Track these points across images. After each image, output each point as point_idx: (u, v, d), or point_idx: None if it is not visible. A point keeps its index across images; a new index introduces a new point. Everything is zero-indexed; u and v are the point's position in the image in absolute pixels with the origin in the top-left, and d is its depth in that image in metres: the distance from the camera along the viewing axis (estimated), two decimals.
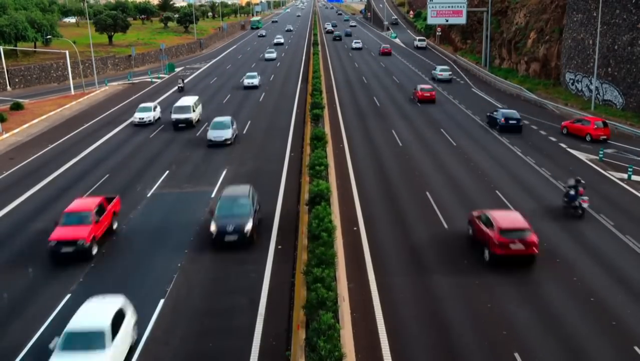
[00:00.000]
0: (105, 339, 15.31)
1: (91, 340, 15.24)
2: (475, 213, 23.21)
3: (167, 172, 32.84)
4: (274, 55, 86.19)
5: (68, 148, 39.21)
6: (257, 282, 20.15)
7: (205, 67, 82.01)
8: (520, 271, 20.74)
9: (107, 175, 32.60)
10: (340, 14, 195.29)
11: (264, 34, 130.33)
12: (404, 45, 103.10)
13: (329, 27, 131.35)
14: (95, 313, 16.10)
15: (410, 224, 25.09)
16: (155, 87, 65.14)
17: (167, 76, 73.28)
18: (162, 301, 19.08)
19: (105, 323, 15.58)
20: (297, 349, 14.37)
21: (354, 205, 27.39)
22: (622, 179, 30.84)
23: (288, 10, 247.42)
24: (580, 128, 39.46)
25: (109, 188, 30.30)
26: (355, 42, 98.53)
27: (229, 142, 38.06)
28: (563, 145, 37.87)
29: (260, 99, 55.30)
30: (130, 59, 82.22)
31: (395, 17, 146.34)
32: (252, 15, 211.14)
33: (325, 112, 43.22)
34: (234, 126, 40.05)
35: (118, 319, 16.17)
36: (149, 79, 70.52)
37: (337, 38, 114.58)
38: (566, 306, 18.50)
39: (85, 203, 24.13)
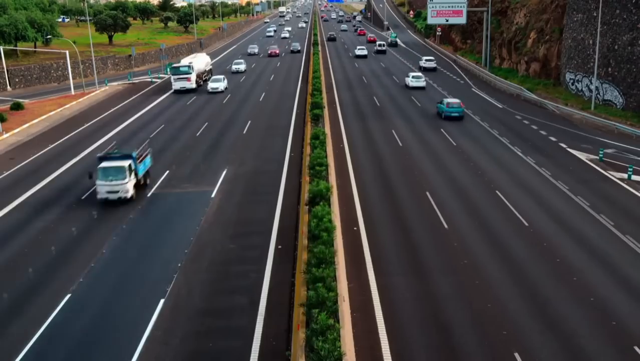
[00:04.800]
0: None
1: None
2: None
3: (167, 172, 32.85)
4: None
5: (68, 148, 39.20)
6: (257, 282, 20.15)
7: None
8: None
9: None
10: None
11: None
12: (404, 45, 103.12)
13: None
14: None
15: (410, 224, 25.09)
16: (156, 87, 65.16)
17: (167, 76, 73.22)
18: (162, 301, 19.07)
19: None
20: (297, 349, 14.36)
21: (354, 205, 27.39)
22: (622, 179, 30.84)
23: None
24: None
25: None
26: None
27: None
28: (563, 145, 37.88)
29: (260, 99, 55.31)
30: (130, 59, 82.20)
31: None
32: (253, 15, 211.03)
33: (325, 112, 43.25)
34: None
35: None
36: (149, 79, 70.50)
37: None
38: (565, 305, 18.52)
39: None
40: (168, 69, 75.89)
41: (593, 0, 48.63)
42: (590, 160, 34.49)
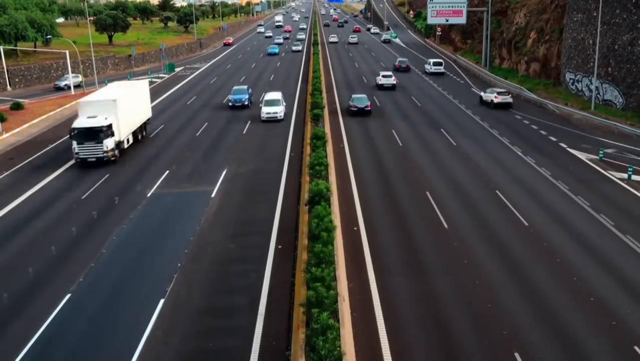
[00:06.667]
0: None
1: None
2: None
3: (167, 172, 32.85)
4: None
5: (68, 148, 39.12)
6: (257, 282, 20.15)
7: (205, 67, 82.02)
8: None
9: (107, 175, 32.58)
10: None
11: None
12: (404, 45, 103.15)
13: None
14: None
15: (410, 224, 25.08)
16: (156, 87, 65.13)
17: (167, 76, 73.29)
18: (162, 301, 19.07)
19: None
20: (297, 349, 14.36)
21: (354, 205, 27.39)
22: (622, 179, 30.83)
23: None
24: None
25: (108, 188, 30.32)
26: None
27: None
28: (563, 145, 37.87)
29: (261, 99, 55.23)
30: (130, 58, 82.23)
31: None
32: (253, 15, 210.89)
33: (325, 112, 43.24)
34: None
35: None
36: (149, 79, 70.49)
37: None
38: (565, 305, 18.51)
39: None
40: (167, 70, 75.97)
41: (593, 0, 48.63)
42: (590, 160, 34.49)
